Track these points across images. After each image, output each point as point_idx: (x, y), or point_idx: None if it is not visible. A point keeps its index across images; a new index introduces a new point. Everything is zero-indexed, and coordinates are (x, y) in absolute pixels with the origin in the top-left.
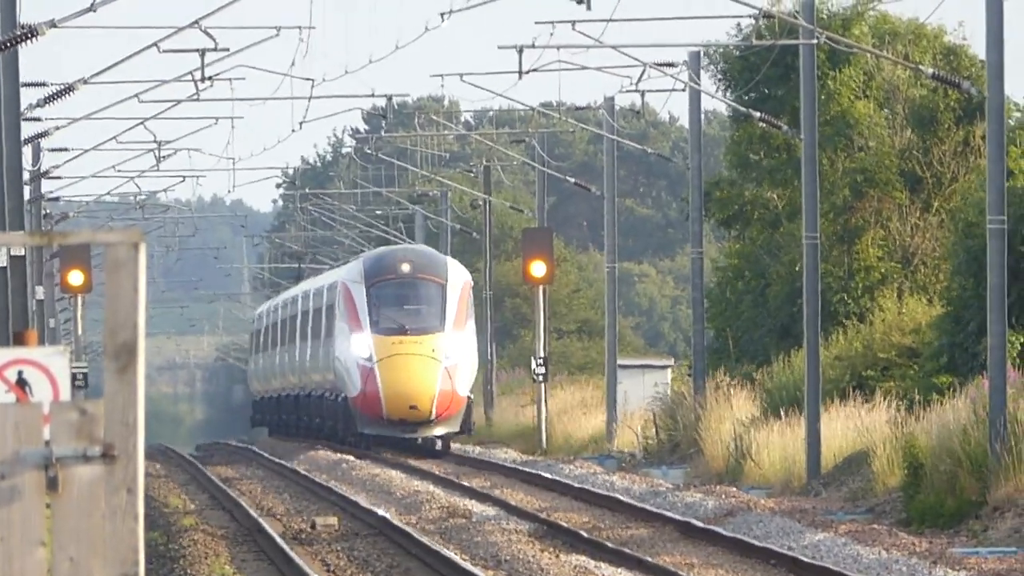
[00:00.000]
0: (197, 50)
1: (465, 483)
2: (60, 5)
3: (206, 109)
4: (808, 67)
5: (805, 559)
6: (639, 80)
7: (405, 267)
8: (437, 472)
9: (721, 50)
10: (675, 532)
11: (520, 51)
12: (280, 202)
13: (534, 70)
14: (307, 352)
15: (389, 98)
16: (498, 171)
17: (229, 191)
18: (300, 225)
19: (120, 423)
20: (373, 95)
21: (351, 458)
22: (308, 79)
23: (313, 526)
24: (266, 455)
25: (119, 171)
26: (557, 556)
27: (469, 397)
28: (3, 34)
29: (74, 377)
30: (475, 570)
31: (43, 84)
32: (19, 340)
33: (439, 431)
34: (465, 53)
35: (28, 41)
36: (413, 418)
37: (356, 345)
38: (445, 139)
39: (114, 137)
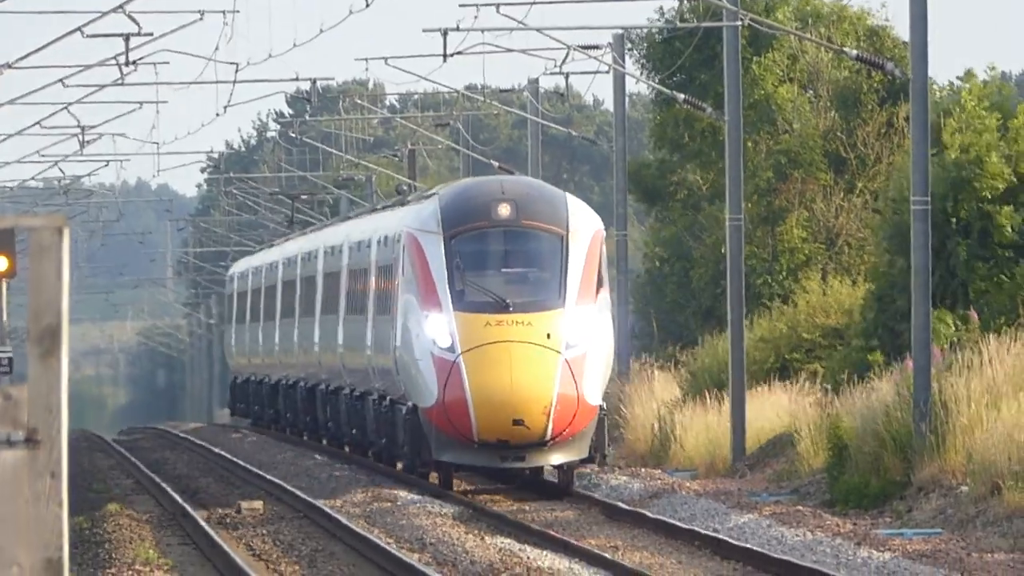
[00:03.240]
0: (121, 35)
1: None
2: None
3: (130, 94)
4: (732, 48)
5: (730, 540)
6: (563, 62)
7: (504, 209)
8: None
9: (644, 34)
10: (600, 514)
11: (444, 34)
12: (205, 187)
13: (458, 53)
14: (338, 332)
15: (313, 82)
16: (423, 155)
17: (154, 176)
18: (224, 209)
19: (44, 408)
20: (297, 79)
21: (274, 441)
22: (232, 63)
23: (238, 510)
24: (192, 440)
25: (43, 156)
26: (482, 539)
27: (602, 407)
28: None
29: None
30: (400, 554)
31: None
32: None
33: (558, 458)
34: (389, 37)
35: None
36: (519, 439)
37: (431, 328)
38: (370, 123)
39: (38, 122)
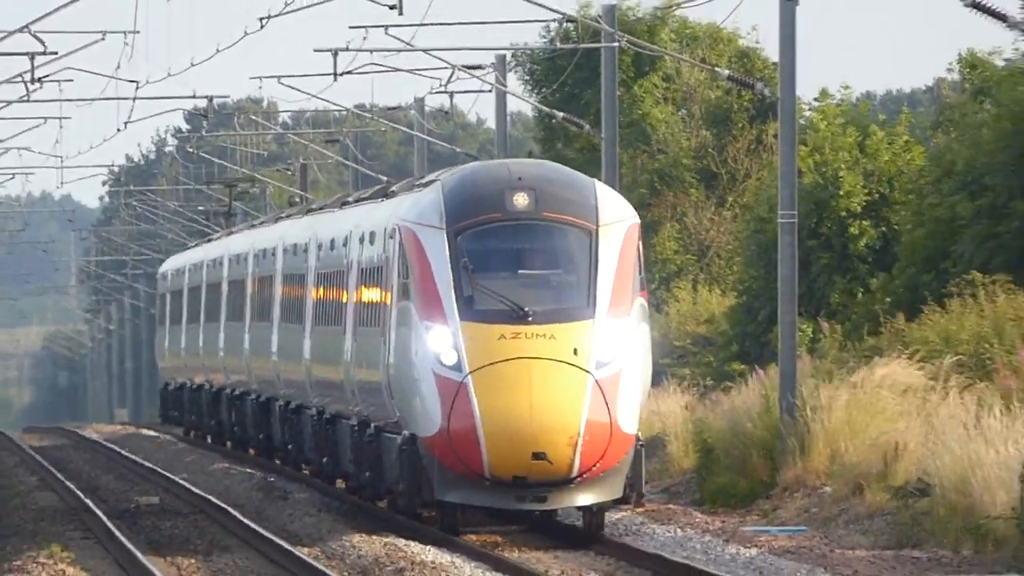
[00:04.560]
0: (27, 53)
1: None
2: None
3: (36, 110)
4: (609, 69)
5: (605, 536)
6: (448, 82)
7: (521, 199)
8: (252, 454)
9: (528, 52)
10: (481, 512)
11: (335, 54)
12: (107, 198)
13: (348, 72)
14: (304, 343)
15: (210, 99)
16: (314, 170)
17: (57, 187)
18: (125, 220)
19: None
20: (195, 96)
21: (169, 437)
22: (133, 81)
23: (136, 506)
24: (94, 438)
25: None
26: (368, 535)
27: (638, 436)
28: None
29: None
30: (291, 548)
31: None
32: None
33: (586, 499)
34: (283, 56)
35: None
36: (539, 476)
37: (434, 342)
38: (264, 139)
39: None
